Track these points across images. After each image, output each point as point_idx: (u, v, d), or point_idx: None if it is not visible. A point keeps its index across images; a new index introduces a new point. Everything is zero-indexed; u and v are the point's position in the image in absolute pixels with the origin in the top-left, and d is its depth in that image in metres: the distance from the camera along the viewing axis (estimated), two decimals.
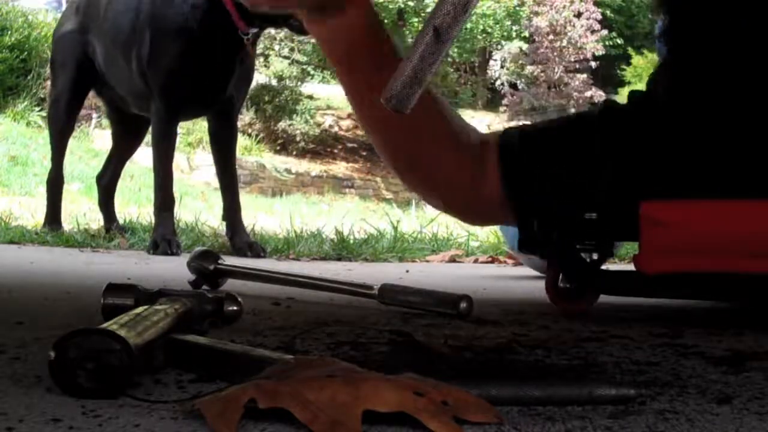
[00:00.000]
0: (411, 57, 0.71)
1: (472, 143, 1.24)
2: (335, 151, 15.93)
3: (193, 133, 13.13)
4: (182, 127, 12.97)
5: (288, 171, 13.81)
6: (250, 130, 14.47)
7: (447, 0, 0.70)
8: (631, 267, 1.21)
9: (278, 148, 14.73)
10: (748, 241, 1.13)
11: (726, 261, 1.13)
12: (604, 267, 1.32)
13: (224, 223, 3.20)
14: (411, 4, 16.91)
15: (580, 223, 1.26)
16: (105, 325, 0.72)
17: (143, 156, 12.94)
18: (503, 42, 16.79)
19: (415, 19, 16.68)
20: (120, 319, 0.77)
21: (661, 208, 1.15)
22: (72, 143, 11.68)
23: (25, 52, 11.40)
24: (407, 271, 2.44)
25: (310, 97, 15.92)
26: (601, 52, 16.83)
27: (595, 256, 1.31)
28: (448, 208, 1.34)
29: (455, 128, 1.23)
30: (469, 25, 15.22)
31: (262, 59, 16.75)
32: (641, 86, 1.30)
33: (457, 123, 1.25)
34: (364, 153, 15.88)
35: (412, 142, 1.21)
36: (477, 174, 1.23)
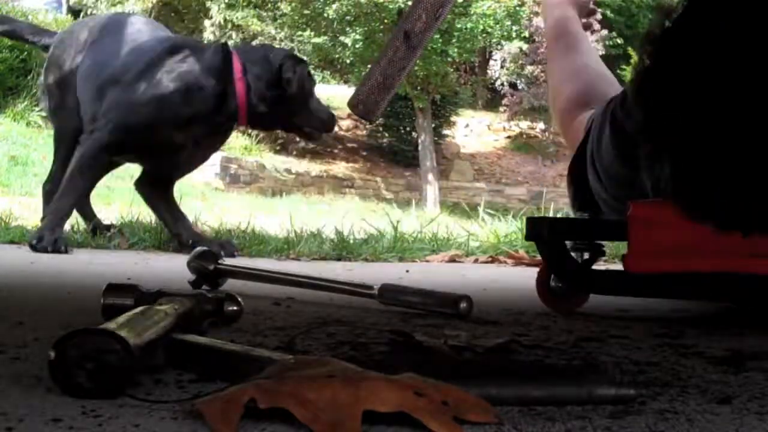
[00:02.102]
0: (380, 61, 0.69)
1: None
2: (335, 151, 15.93)
3: None
4: None
5: (288, 171, 13.81)
6: (250, 130, 14.46)
7: (419, 5, 0.68)
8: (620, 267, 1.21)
9: (278, 148, 14.72)
10: (736, 241, 1.13)
11: (713, 261, 1.13)
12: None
13: (227, 222, 3.20)
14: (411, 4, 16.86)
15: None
16: (105, 325, 0.72)
17: None
18: (503, 42, 16.78)
19: None
20: (120, 319, 0.77)
21: (649, 208, 1.16)
22: None
23: (25, 52, 11.39)
24: (407, 271, 2.44)
25: None
26: (601, 52, 16.82)
27: (586, 256, 1.32)
28: None
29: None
30: (469, 25, 15.21)
31: None
32: None
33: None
34: (364, 153, 15.88)
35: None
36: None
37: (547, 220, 1.30)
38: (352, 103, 0.70)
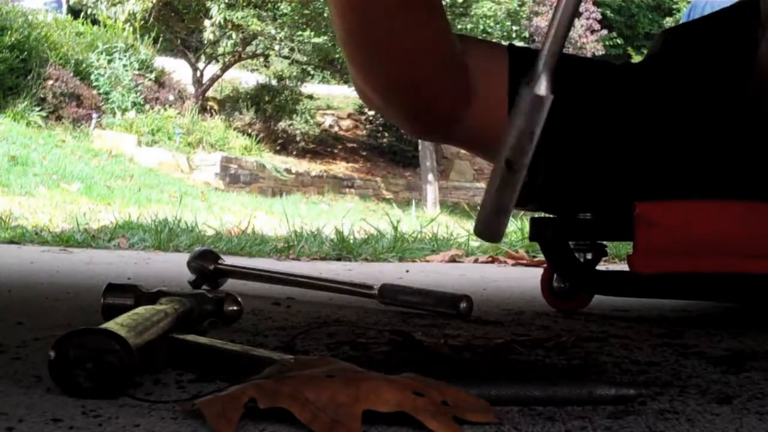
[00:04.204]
0: (490, 190, 0.74)
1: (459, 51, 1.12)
2: (335, 151, 15.93)
3: (193, 133, 13.13)
4: (182, 126, 12.98)
5: (288, 171, 13.81)
6: (250, 130, 14.47)
7: (512, 132, 0.71)
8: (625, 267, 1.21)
9: (278, 148, 14.73)
10: (743, 241, 1.13)
11: (720, 261, 1.13)
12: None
13: (228, 222, 3.19)
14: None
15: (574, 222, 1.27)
16: (105, 325, 0.72)
17: (143, 156, 12.91)
18: (503, 42, 16.81)
19: None
20: (120, 319, 0.77)
21: (655, 208, 1.16)
22: (72, 143, 11.70)
23: (25, 52, 11.40)
24: (407, 271, 2.44)
25: (310, 97, 15.92)
26: (601, 52, 16.84)
27: (589, 256, 1.32)
28: (405, 107, 1.14)
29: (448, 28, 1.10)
30: (469, 26, 15.22)
31: (262, 59, 16.76)
32: None
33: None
34: (364, 153, 15.88)
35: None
36: (464, 90, 1.12)
37: (550, 221, 1.30)
38: (478, 231, 0.75)
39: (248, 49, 15.87)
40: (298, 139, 15.02)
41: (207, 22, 14.83)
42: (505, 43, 1.35)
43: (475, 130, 1.15)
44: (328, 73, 17.23)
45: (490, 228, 0.73)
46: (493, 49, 1.20)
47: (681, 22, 1.28)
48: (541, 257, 2.70)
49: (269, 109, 14.99)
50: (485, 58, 1.16)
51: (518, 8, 16.34)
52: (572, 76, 1.21)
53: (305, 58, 16.23)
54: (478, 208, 0.76)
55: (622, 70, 1.27)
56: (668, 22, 18.19)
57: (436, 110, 1.14)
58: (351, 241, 3.24)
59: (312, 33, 15.03)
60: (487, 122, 1.15)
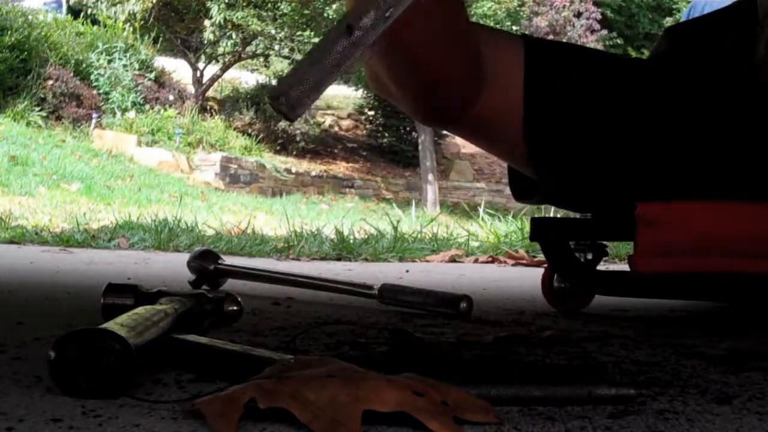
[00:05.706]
0: (313, 53, 0.61)
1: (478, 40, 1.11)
2: (335, 151, 15.92)
3: (193, 133, 13.12)
4: (182, 126, 12.98)
5: (288, 171, 13.81)
6: (250, 130, 14.46)
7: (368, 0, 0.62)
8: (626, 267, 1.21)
9: (278, 148, 14.72)
10: (743, 241, 1.13)
11: (721, 261, 1.14)
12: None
13: (227, 222, 3.18)
14: None
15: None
16: (105, 325, 0.72)
17: (143, 156, 12.90)
18: None
19: None
20: (120, 319, 0.77)
21: (656, 208, 1.16)
22: (72, 143, 11.68)
23: (25, 52, 11.40)
24: (407, 271, 2.44)
25: None
26: None
27: (589, 256, 1.32)
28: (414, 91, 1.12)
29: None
30: None
31: (262, 59, 16.76)
32: None
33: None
34: (364, 153, 15.87)
35: None
36: (479, 76, 1.11)
37: (551, 221, 1.30)
38: (273, 96, 0.60)
39: (248, 49, 15.87)
40: (298, 139, 15.01)
41: (207, 22, 14.82)
42: None
43: (485, 116, 1.14)
44: None
45: (290, 97, 0.60)
46: (509, 37, 1.20)
47: (680, 21, 1.29)
48: (541, 257, 2.70)
49: (269, 109, 14.97)
50: (501, 45, 1.16)
51: (518, 8, 16.35)
52: (579, 70, 1.20)
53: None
54: (288, 73, 0.62)
55: (628, 67, 1.27)
56: (668, 22, 18.18)
57: (449, 94, 1.12)
58: (351, 241, 3.23)
59: (312, 33, 15.02)
60: (499, 108, 1.14)
